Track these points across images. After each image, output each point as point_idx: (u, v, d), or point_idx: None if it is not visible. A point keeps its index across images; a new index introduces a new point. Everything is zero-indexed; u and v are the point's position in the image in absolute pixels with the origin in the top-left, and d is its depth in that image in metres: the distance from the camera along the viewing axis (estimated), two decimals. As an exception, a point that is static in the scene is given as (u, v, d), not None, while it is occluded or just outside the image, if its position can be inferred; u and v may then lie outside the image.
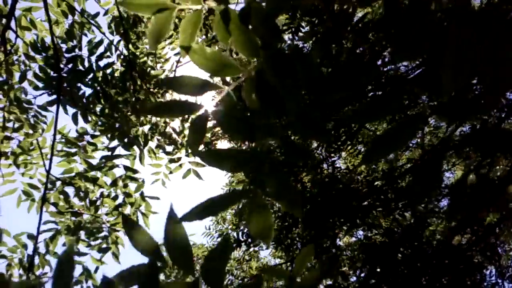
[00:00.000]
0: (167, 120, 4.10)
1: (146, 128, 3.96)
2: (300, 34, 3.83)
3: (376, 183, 5.00)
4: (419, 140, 5.53)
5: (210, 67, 1.18)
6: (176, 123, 4.12)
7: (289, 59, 1.11)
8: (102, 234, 3.73)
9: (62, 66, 3.62)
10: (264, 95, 1.09)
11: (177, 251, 0.83)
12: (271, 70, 1.09)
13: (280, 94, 1.06)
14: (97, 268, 3.77)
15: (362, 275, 5.24)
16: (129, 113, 3.75)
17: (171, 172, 3.98)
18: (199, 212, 0.94)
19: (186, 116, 4.10)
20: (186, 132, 4.11)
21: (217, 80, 4.62)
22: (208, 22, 4.13)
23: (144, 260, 0.83)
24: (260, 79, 1.10)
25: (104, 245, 3.74)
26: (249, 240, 6.46)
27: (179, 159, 3.99)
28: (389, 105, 0.97)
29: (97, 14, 3.81)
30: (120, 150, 3.77)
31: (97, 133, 3.72)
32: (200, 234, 7.13)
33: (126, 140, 3.67)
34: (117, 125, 3.64)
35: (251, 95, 1.10)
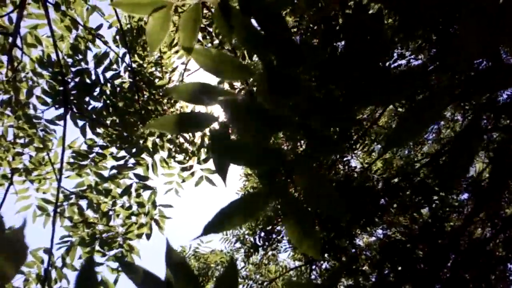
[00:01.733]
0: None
1: (155, 138, 3.89)
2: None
3: (392, 180, 4.86)
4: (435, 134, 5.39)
5: (217, 68, 1.08)
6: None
7: (297, 47, 1.02)
8: (116, 244, 3.66)
9: (69, 80, 3.58)
10: (277, 87, 0.99)
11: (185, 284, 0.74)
12: (281, 61, 1.00)
13: (294, 82, 0.97)
14: (116, 280, 3.68)
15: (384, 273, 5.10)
16: (138, 123, 3.69)
17: (183, 181, 3.90)
18: (218, 223, 0.83)
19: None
20: (196, 140, 4.03)
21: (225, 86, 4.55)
22: (213, 30, 4.06)
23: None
24: (270, 72, 1.00)
25: (120, 255, 3.66)
26: (267, 243, 6.36)
27: (191, 167, 3.91)
28: (406, 84, 0.88)
29: (101, 26, 3.76)
30: (130, 162, 3.70)
31: (106, 144, 3.65)
32: (218, 240, 7.04)
33: (134, 150, 3.61)
34: (125, 134, 3.57)
35: (264, 91, 1.00)
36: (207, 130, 4.01)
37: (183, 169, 3.93)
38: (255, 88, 1.09)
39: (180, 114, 1.06)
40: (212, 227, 0.82)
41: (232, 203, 0.84)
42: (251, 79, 1.11)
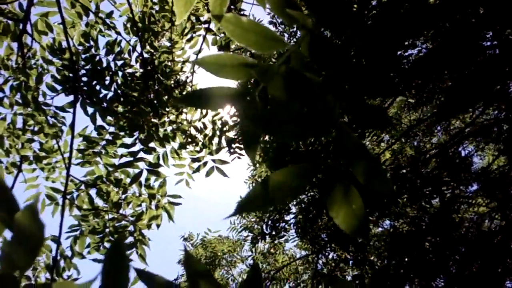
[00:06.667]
0: (189, 118, 3.82)
1: (168, 128, 3.69)
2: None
3: (401, 171, 4.65)
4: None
5: (249, 39, 0.89)
6: (197, 122, 3.85)
7: (341, 11, 0.83)
8: (127, 233, 3.46)
9: (79, 67, 3.38)
10: (319, 54, 0.80)
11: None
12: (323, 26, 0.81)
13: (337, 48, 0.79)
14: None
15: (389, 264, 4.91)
16: (149, 112, 3.49)
17: (194, 172, 3.68)
18: (255, 201, 0.65)
19: (204, 112, 3.82)
20: (207, 131, 3.83)
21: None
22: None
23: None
24: (312, 38, 0.81)
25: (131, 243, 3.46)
26: (274, 232, 6.18)
27: (202, 158, 3.70)
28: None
29: (112, 12, 3.56)
30: (141, 153, 3.48)
31: (117, 131, 3.44)
32: (225, 229, 6.88)
33: (144, 136, 3.40)
34: (134, 122, 3.37)
35: (303, 60, 0.81)
36: (218, 117, 3.83)
37: (194, 160, 3.73)
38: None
39: (207, 88, 0.88)
40: (248, 205, 0.64)
41: (271, 177, 0.66)
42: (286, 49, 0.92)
